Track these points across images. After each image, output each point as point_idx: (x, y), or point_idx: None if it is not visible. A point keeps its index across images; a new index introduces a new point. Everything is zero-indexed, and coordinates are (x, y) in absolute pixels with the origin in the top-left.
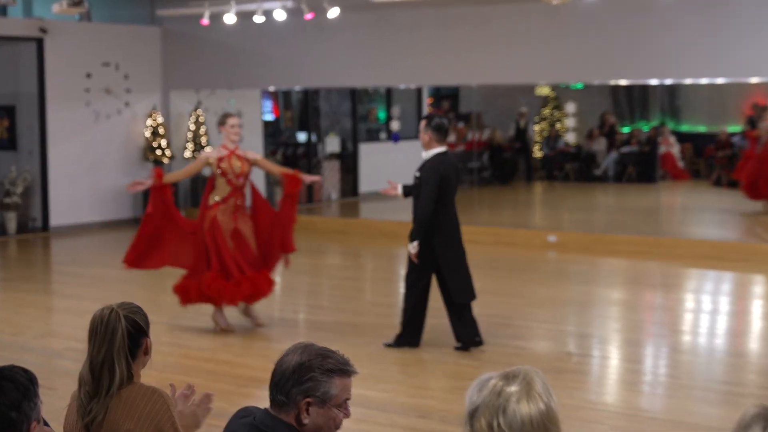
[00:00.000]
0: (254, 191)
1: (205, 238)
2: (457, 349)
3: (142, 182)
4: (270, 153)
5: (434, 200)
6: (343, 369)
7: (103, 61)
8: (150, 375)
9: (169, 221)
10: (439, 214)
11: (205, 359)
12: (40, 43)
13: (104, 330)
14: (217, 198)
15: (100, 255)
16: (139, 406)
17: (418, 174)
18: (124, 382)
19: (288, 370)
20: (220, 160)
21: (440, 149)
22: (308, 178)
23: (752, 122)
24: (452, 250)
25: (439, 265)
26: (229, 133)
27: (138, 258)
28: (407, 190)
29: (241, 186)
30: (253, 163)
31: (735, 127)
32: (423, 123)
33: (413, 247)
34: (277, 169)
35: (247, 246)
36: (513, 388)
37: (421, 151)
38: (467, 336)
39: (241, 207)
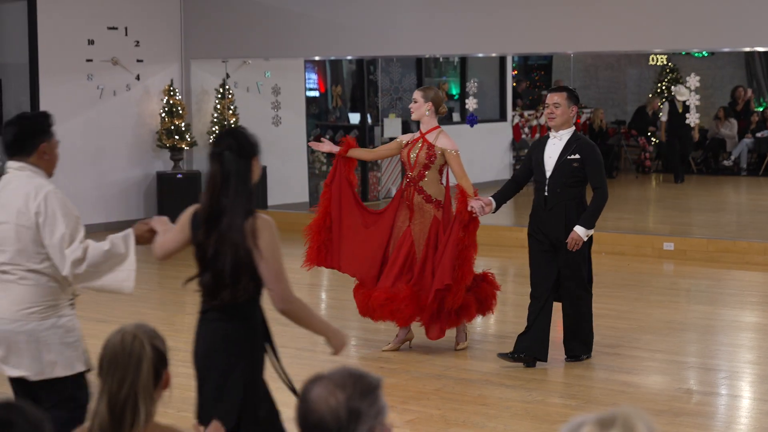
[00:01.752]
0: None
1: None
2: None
3: (328, 143)
4: (315, 138)
5: None
6: (378, 384)
7: (108, 24)
8: (166, 414)
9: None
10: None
11: None
12: (32, 3)
13: (127, 360)
14: None
15: None
16: None
17: (576, 156)
18: (144, 424)
19: (332, 415)
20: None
21: (572, 128)
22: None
23: None
24: None
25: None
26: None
27: (319, 253)
28: (504, 195)
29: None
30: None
31: None
32: (564, 95)
33: (586, 235)
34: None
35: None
36: None
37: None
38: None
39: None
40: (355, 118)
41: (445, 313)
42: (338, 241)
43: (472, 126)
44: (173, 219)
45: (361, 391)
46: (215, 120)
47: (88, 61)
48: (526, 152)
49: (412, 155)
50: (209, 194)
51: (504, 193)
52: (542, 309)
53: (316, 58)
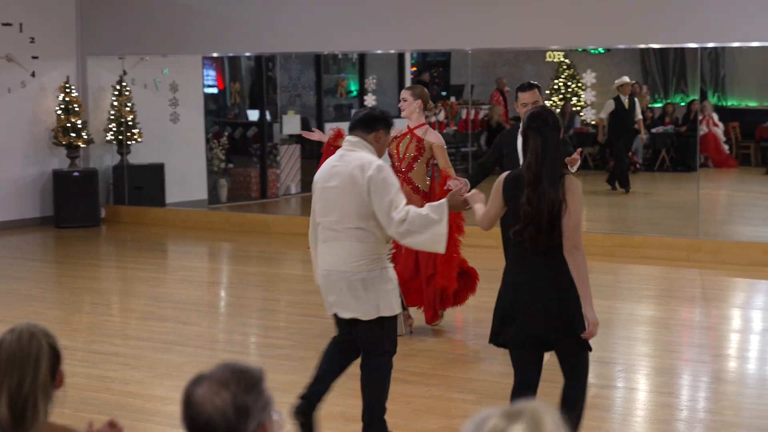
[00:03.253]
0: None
1: None
2: None
3: (318, 132)
4: (213, 135)
5: None
6: (261, 377)
7: (2, 20)
8: (62, 414)
9: None
10: None
11: (130, 394)
12: None
13: (26, 359)
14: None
15: (1, 265)
16: None
17: None
18: (44, 423)
19: (219, 414)
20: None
21: None
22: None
23: None
24: None
25: None
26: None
27: None
28: (475, 180)
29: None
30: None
31: None
32: (535, 92)
33: None
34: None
35: None
36: (517, 428)
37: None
38: None
39: None
40: (254, 114)
41: (438, 296)
42: None
43: None
44: (72, 218)
45: (246, 387)
46: (112, 117)
47: None
48: (494, 142)
49: (401, 148)
50: (534, 161)
51: (475, 178)
52: None
53: (215, 54)
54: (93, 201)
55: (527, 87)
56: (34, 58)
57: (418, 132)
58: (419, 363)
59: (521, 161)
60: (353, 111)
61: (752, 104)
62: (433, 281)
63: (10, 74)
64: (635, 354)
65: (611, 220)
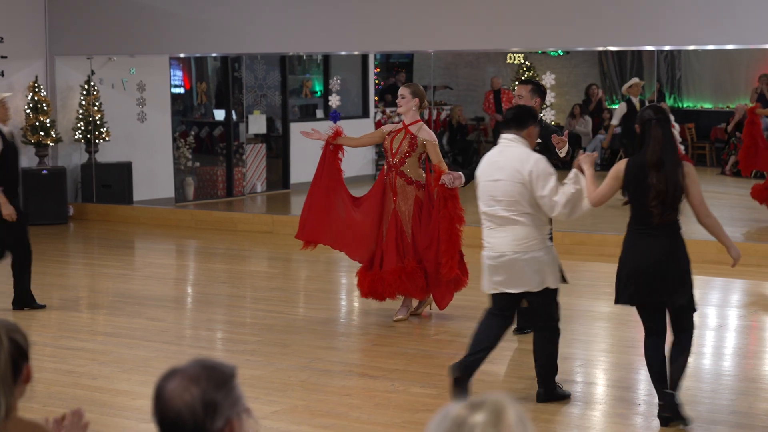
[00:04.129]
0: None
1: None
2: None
3: (317, 132)
4: (180, 134)
5: None
6: (232, 373)
7: None
8: (31, 409)
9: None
10: None
11: (98, 388)
12: None
13: None
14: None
15: None
16: None
17: (538, 140)
18: (4, 417)
19: (188, 409)
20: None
21: None
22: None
23: (762, 97)
24: None
25: None
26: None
27: (313, 231)
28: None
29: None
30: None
31: (746, 103)
32: (528, 88)
33: None
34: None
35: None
36: (478, 418)
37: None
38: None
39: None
40: (220, 114)
41: (444, 282)
42: (326, 218)
43: (335, 122)
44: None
45: (216, 383)
46: (80, 116)
47: None
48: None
49: (395, 144)
50: (657, 149)
51: (474, 171)
52: None
53: (181, 55)
54: (61, 199)
55: (523, 82)
56: (3, 57)
57: (413, 129)
58: (382, 359)
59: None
60: (317, 111)
61: (707, 106)
62: (442, 270)
63: None
64: (593, 350)
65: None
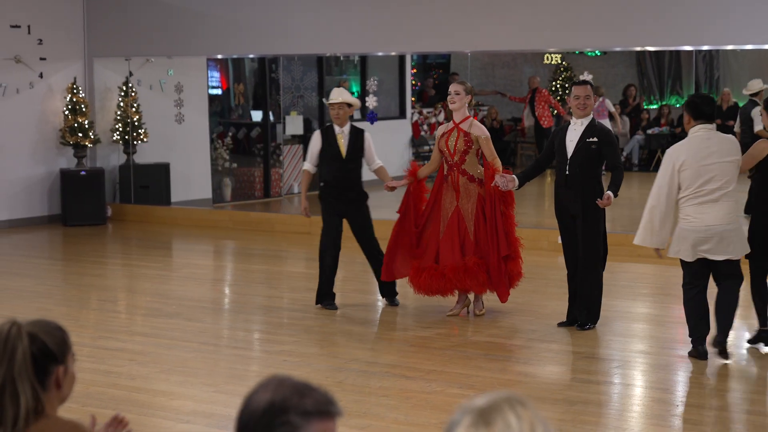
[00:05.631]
0: None
1: None
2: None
3: (397, 181)
4: (217, 135)
5: None
6: (324, 410)
7: (11, 22)
8: (69, 409)
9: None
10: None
11: (136, 389)
12: None
13: (2, 347)
14: None
15: (9, 262)
16: None
17: (594, 139)
18: (31, 413)
19: (257, 411)
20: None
21: (591, 115)
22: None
23: None
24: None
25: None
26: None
27: (401, 270)
28: (527, 175)
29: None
30: None
31: None
32: (589, 88)
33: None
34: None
35: None
36: (466, 420)
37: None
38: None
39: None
40: (257, 115)
41: (506, 277)
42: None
43: (372, 123)
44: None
45: (296, 403)
46: (118, 117)
47: None
48: (549, 138)
49: (450, 143)
50: None
51: (527, 173)
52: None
53: (219, 56)
54: (99, 199)
55: (580, 83)
56: (42, 59)
57: (464, 126)
58: (419, 359)
59: (569, 156)
60: (355, 112)
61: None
62: (507, 262)
63: (19, 75)
64: (631, 351)
65: (608, 218)
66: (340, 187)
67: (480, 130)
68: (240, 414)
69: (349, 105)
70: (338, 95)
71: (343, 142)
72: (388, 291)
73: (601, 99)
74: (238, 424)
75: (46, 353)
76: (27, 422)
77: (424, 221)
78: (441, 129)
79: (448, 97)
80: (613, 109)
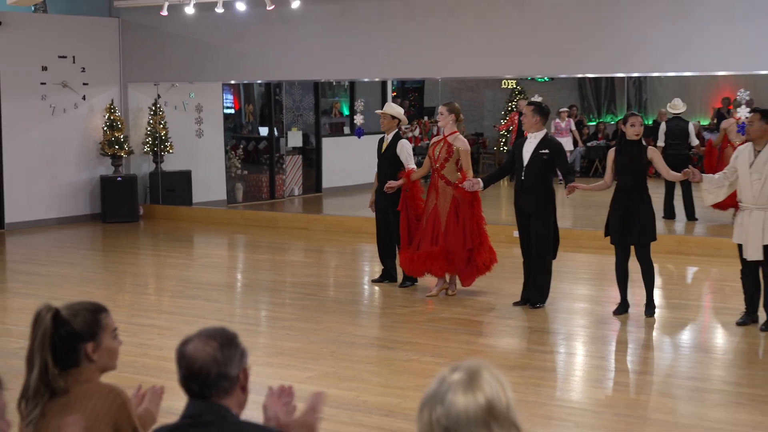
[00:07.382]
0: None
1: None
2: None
3: (395, 182)
4: (231, 147)
5: None
6: (235, 335)
7: (59, 53)
8: (107, 375)
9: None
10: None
11: (163, 358)
12: None
13: (34, 325)
14: None
15: (58, 253)
16: (97, 404)
17: (546, 151)
18: (42, 386)
19: (210, 359)
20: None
21: (544, 131)
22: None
23: (720, 116)
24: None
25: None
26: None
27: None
28: (491, 178)
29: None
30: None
31: (704, 121)
32: (531, 108)
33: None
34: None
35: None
36: (455, 377)
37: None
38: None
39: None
40: (264, 131)
41: (474, 266)
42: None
43: (359, 137)
44: (116, 214)
45: (225, 341)
46: (148, 132)
47: (42, 84)
48: (510, 150)
49: (436, 152)
50: None
51: (491, 177)
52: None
53: (232, 81)
54: (133, 201)
55: (529, 102)
56: (85, 84)
57: (450, 139)
58: (399, 333)
59: (524, 164)
60: (345, 128)
61: None
62: (473, 253)
63: (65, 98)
64: (573, 325)
65: (559, 216)
66: (381, 183)
67: (461, 144)
68: (191, 372)
69: (393, 117)
70: (385, 108)
71: (384, 146)
72: (404, 277)
73: (567, 120)
74: (197, 379)
75: (72, 333)
76: (38, 391)
77: (423, 216)
78: (433, 140)
79: (436, 117)
80: (574, 128)
